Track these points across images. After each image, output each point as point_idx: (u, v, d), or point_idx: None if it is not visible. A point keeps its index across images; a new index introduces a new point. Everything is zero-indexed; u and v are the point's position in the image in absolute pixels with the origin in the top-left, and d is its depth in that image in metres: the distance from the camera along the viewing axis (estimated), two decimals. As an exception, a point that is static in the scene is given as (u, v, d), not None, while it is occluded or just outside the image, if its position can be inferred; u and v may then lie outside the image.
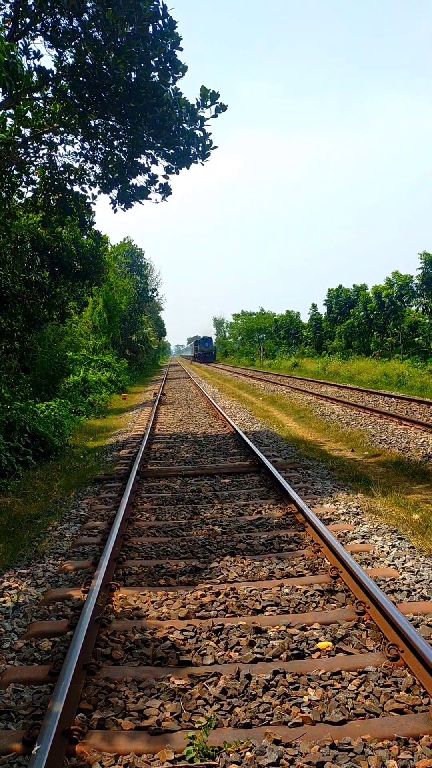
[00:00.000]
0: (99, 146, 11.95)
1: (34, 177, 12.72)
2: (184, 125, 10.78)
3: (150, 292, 61.60)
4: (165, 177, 11.81)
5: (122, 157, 11.85)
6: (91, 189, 12.68)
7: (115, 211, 12.33)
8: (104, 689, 3.60)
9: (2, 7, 9.94)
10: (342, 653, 3.89)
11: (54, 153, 12.35)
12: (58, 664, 3.80)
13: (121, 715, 3.35)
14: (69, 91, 10.54)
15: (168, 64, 10.17)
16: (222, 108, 10.61)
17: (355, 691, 3.45)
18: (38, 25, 10.15)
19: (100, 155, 12.11)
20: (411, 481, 8.68)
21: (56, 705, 3.19)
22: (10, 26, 10.02)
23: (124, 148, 11.76)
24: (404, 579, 5.02)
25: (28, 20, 10.02)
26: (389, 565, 5.38)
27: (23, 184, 12.76)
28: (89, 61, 9.76)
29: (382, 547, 5.82)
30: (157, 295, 75.41)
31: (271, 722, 3.22)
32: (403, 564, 5.34)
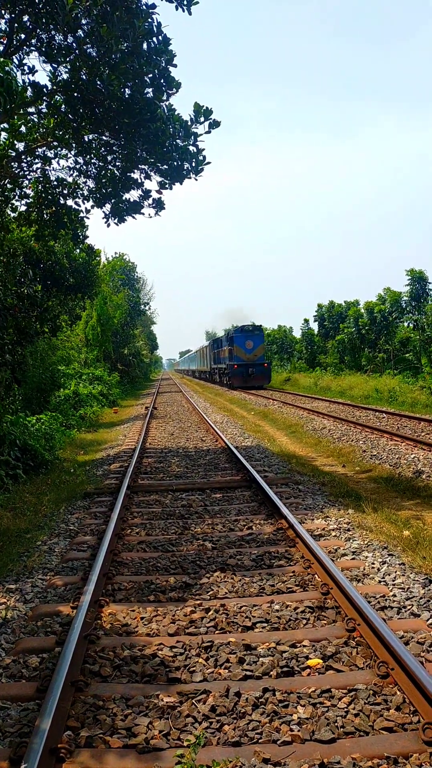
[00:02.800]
0: (92, 161, 12.02)
1: (28, 191, 12.76)
2: (178, 141, 10.86)
3: (142, 306, 61.66)
4: (158, 192, 11.88)
5: (116, 172, 11.92)
6: (84, 203, 12.73)
7: (108, 225, 12.38)
8: (92, 706, 3.57)
9: (-2, 22, 10.02)
10: (332, 671, 3.87)
11: (48, 167, 12.41)
12: (46, 680, 3.76)
13: (109, 732, 3.32)
14: (63, 106, 10.61)
15: (162, 81, 10.26)
16: (215, 124, 10.70)
17: (345, 709, 3.43)
18: (33, 40, 10.23)
19: (94, 170, 12.17)
20: (401, 497, 8.69)
21: (44, 722, 3.15)
22: (5, 42, 10.09)
23: (117, 163, 11.83)
24: (394, 596, 5.01)
25: (23, 36, 10.10)
26: (380, 581, 5.37)
27: (17, 197, 12.80)
28: (84, 76, 9.83)
29: (373, 563, 5.81)
30: (150, 308, 75.49)
31: (260, 740, 3.20)
32: (393, 581, 5.33)
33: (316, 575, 5.51)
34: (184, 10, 9.86)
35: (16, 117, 11.08)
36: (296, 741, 3.16)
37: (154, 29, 9.75)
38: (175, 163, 11.11)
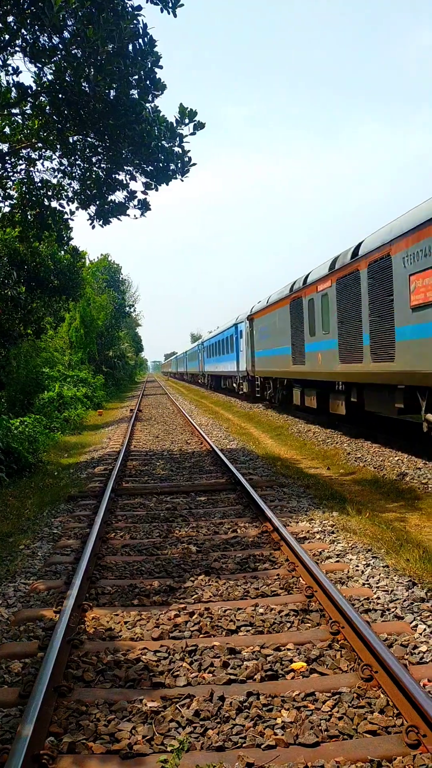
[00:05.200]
0: (77, 162, 11.98)
1: (12, 192, 12.69)
2: (163, 142, 10.86)
3: (127, 308, 61.54)
4: (144, 193, 11.88)
5: (100, 173, 11.88)
6: (69, 205, 12.69)
7: (93, 227, 12.33)
8: (75, 712, 3.53)
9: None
10: (316, 674, 3.86)
11: (32, 168, 12.36)
12: (29, 686, 3.72)
13: (92, 738, 3.29)
14: (48, 107, 10.58)
15: (148, 82, 10.27)
16: (200, 126, 10.72)
17: (329, 713, 3.43)
18: (18, 41, 10.18)
19: (79, 171, 12.13)
20: (386, 500, 8.72)
21: (26, 728, 3.12)
22: (-11, 42, 10.04)
23: (102, 165, 11.80)
24: (378, 598, 5.02)
25: (7, 36, 10.04)
26: (363, 584, 5.38)
27: (0, 198, 12.72)
28: (69, 77, 9.80)
29: (357, 566, 5.82)
30: (135, 310, 75.38)
31: (244, 745, 3.18)
32: (377, 583, 5.34)
33: (300, 578, 5.50)
34: (169, 12, 9.87)
35: (0, 117, 11.02)
36: (280, 745, 3.15)
37: (140, 31, 9.76)
38: (161, 165, 11.11)
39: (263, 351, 22.96)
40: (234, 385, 32.50)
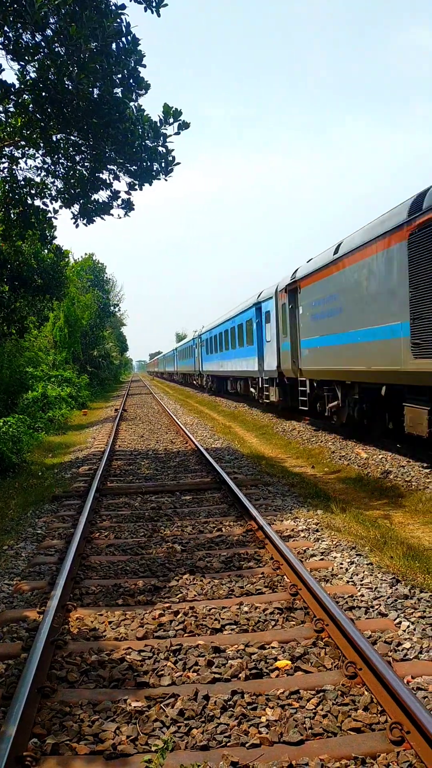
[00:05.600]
0: (61, 161, 11.91)
1: (-5, 190, 12.60)
2: (147, 142, 10.82)
3: (112, 307, 61.34)
4: (127, 193, 11.83)
5: (84, 172, 11.83)
6: (52, 203, 12.63)
7: (77, 226, 12.28)
8: (59, 713, 3.51)
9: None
10: (300, 672, 3.87)
11: (15, 167, 12.27)
12: (12, 687, 3.70)
13: (76, 739, 3.27)
14: (31, 105, 10.49)
15: (131, 81, 10.23)
16: (184, 125, 10.70)
17: (313, 711, 3.43)
18: (0, 38, 10.09)
19: (62, 170, 12.07)
20: (370, 498, 8.76)
21: (9, 730, 3.10)
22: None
23: (86, 164, 11.74)
24: (362, 596, 5.04)
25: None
26: (348, 581, 5.39)
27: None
28: (52, 75, 9.73)
29: (341, 563, 5.84)
30: (119, 310, 75.14)
31: (228, 744, 3.18)
32: (361, 581, 5.36)
33: (285, 576, 5.51)
34: (153, 12, 9.83)
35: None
36: (264, 743, 3.15)
37: (123, 29, 9.71)
38: (145, 164, 11.07)
39: (318, 338, 14.65)
40: (253, 389, 23.43)
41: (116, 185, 11.85)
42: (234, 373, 27.41)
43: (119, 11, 9.58)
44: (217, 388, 35.10)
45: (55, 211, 12.72)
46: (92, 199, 12.05)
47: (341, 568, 5.74)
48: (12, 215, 12.75)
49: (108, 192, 11.94)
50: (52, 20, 9.37)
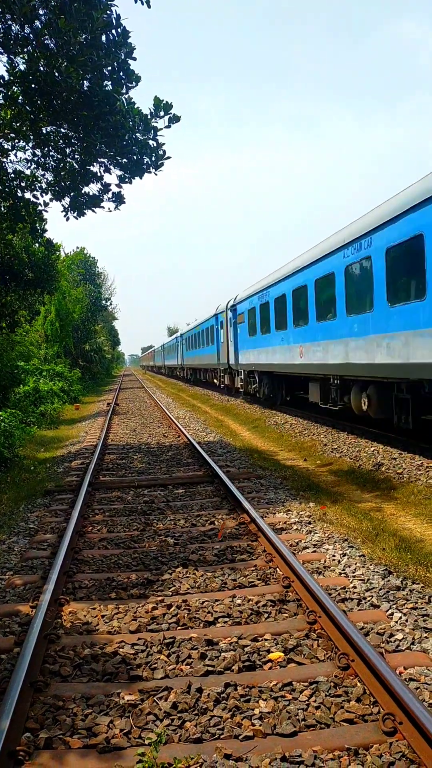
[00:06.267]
0: (51, 153, 11.84)
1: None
2: (137, 135, 10.78)
3: (103, 301, 61.15)
4: (118, 186, 11.78)
5: (74, 165, 11.76)
6: (42, 196, 12.54)
7: (68, 219, 12.22)
8: (52, 707, 3.51)
9: None
10: (293, 664, 3.88)
11: (4, 159, 12.17)
12: (4, 682, 3.69)
13: (69, 733, 3.27)
14: (20, 97, 10.42)
15: (121, 74, 10.17)
16: (175, 119, 10.65)
17: (306, 702, 3.45)
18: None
19: (52, 162, 11.99)
20: (362, 490, 8.79)
21: (1, 724, 3.10)
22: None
23: (76, 156, 11.68)
24: (354, 587, 5.06)
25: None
26: (340, 573, 5.41)
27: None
28: (41, 68, 9.67)
29: (334, 555, 5.86)
30: (111, 304, 74.94)
31: (221, 736, 3.19)
32: (353, 572, 5.38)
33: (277, 569, 5.53)
34: (143, 3, 9.77)
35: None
36: (258, 735, 3.16)
37: (113, 21, 9.65)
38: (135, 157, 11.03)
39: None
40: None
41: (107, 178, 11.81)
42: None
43: (108, 3, 9.52)
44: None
45: (46, 204, 12.64)
46: (83, 191, 11.99)
47: (334, 560, 5.75)
48: (2, 208, 12.66)
49: (98, 185, 11.90)
50: (41, 12, 9.30)
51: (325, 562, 5.71)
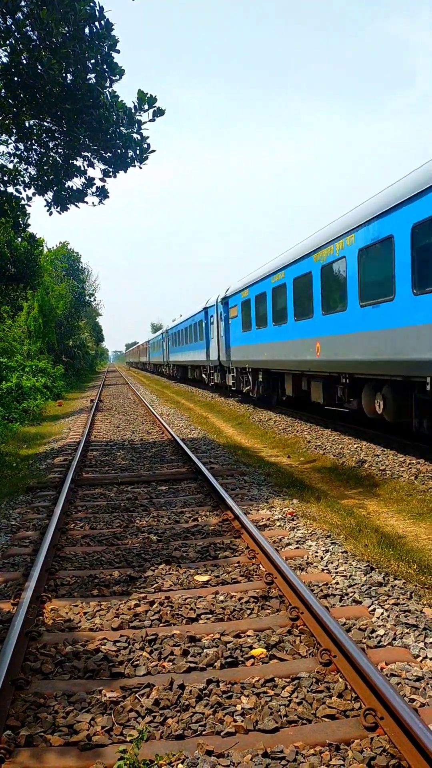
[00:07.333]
0: (34, 147, 11.75)
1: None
2: (122, 128, 10.71)
3: (87, 297, 60.86)
4: (102, 180, 11.70)
5: (58, 158, 11.68)
6: (25, 190, 12.46)
7: (51, 213, 12.14)
8: (33, 704, 3.48)
9: None
10: (275, 660, 3.88)
11: (-13, 153, 12.06)
12: (-15, 680, 3.65)
13: (50, 730, 3.24)
14: (3, 90, 10.31)
15: (105, 67, 10.09)
16: (159, 112, 10.60)
17: (288, 698, 3.44)
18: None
19: (35, 156, 11.90)
20: (345, 486, 8.82)
21: (-19, 724, 3.06)
22: None
23: (59, 150, 11.59)
24: (337, 583, 5.07)
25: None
26: (323, 570, 5.42)
27: None
28: (24, 60, 9.57)
29: (316, 552, 5.87)
30: (95, 300, 74.62)
31: (203, 733, 3.18)
32: (336, 569, 5.39)
33: (260, 565, 5.53)
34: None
35: None
36: (240, 732, 3.16)
37: (96, 13, 9.57)
38: (119, 151, 10.96)
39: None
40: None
41: (90, 172, 11.73)
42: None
43: (92, -6, 9.44)
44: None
45: (29, 198, 12.55)
46: (66, 186, 11.91)
47: (316, 556, 5.76)
48: (-16, 203, 12.55)
49: (82, 179, 11.82)
50: (22, 3, 9.21)
51: (307, 558, 5.72)
